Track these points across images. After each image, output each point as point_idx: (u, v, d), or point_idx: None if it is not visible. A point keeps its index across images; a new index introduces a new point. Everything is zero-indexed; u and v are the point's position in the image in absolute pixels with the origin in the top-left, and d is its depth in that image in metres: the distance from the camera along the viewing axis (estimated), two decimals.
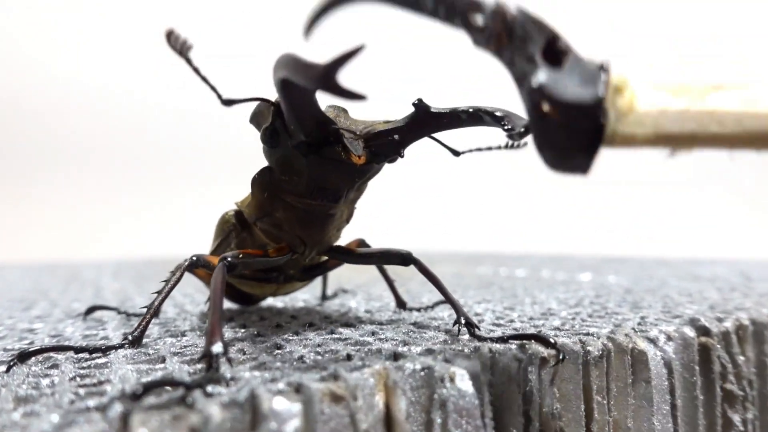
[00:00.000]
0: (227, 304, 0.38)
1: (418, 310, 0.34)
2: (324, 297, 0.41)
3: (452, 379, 0.21)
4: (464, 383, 0.21)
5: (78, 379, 0.21)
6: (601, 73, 0.17)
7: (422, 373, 0.21)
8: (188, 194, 1.03)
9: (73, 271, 0.80)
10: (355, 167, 0.24)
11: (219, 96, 0.23)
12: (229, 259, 0.25)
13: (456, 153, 0.27)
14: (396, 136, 0.24)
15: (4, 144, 1.00)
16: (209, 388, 0.18)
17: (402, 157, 0.25)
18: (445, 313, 0.34)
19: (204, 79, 0.23)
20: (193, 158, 1.06)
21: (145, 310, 0.36)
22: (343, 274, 0.56)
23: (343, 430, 0.19)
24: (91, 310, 0.36)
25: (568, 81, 0.17)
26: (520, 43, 0.18)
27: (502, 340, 0.24)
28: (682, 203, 1.03)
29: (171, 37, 0.21)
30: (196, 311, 0.37)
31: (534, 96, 0.17)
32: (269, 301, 0.40)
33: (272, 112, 0.25)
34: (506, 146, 0.27)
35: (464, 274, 0.62)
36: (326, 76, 0.18)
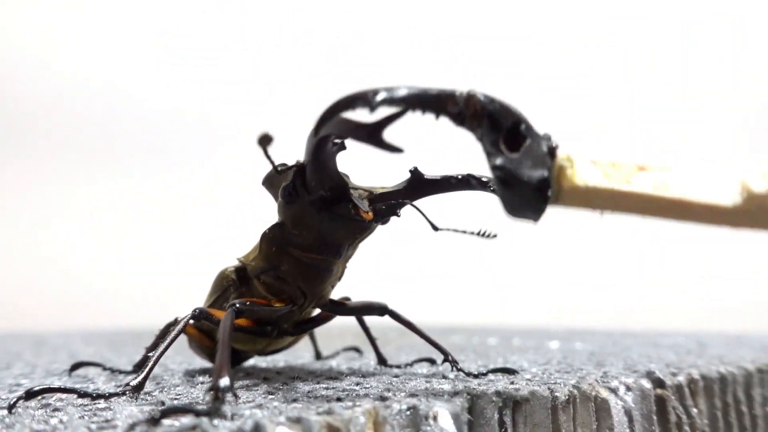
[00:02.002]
0: (208, 364, 0.39)
1: (398, 366, 0.36)
2: (318, 356, 0.43)
3: (435, 418, 0.23)
4: (446, 422, 0.23)
5: (86, 417, 0.22)
6: (548, 158, 0.22)
7: (408, 413, 0.23)
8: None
9: (39, 338, 0.79)
10: (361, 224, 0.28)
11: (274, 166, 0.27)
12: (238, 305, 0.28)
13: (435, 228, 0.31)
14: (394, 199, 0.28)
15: None
16: (216, 421, 0.20)
17: (398, 216, 0.29)
18: (424, 369, 0.36)
19: (268, 157, 0.27)
20: None
21: (131, 367, 0.37)
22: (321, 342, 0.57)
23: None
24: (76, 366, 0.37)
25: (522, 164, 0.22)
26: (487, 126, 0.22)
27: (482, 374, 0.30)
28: (649, 274, 1.08)
29: (264, 139, 0.24)
30: (181, 368, 0.39)
31: (495, 172, 0.22)
32: (251, 361, 0.42)
33: (293, 172, 0.28)
34: (479, 234, 0.31)
35: (437, 341, 0.64)
36: (373, 132, 0.22)
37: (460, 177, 0.28)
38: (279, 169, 0.27)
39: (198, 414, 0.20)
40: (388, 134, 0.22)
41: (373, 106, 0.21)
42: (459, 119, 0.22)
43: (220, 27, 1.00)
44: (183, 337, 0.40)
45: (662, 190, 0.21)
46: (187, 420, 0.20)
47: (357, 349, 0.47)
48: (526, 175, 0.22)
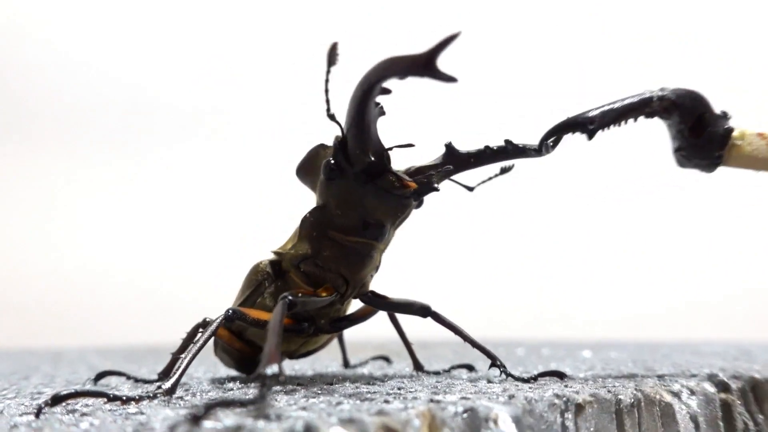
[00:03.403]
0: (232, 372, 0.37)
1: (437, 372, 0.34)
2: (347, 364, 0.41)
3: (495, 422, 0.21)
4: (507, 425, 0.21)
5: (118, 421, 0.21)
6: (725, 139, 0.28)
7: (465, 415, 0.21)
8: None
9: (55, 353, 0.78)
10: (403, 198, 0.27)
11: (328, 108, 0.27)
12: (290, 297, 0.26)
13: (470, 189, 0.31)
14: (432, 173, 0.28)
15: None
16: (262, 422, 0.18)
17: (438, 190, 0.28)
18: (464, 375, 0.34)
19: (327, 91, 0.26)
20: None
21: (156, 376, 0.36)
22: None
23: None
24: (101, 375, 0.35)
25: (701, 147, 0.28)
26: (676, 118, 0.28)
27: (532, 378, 0.28)
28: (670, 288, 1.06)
29: (333, 50, 0.24)
30: (206, 377, 0.37)
31: (677, 154, 0.29)
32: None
33: (334, 146, 0.27)
34: (501, 171, 0.32)
35: (463, 353, 0.62)
36: (429, 61, 0.22)
37: (496, 147, 0.29)
38: (331, 113, 0.26)
39: (244, 404, 0.18)
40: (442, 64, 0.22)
41: (594, 127, 0.27)
42: (651, 116, 0.28)
43: (220, 11, 1.00)
44: (206, 348, 0.39)
45: None
46: (231, 421, 0.18)
47: (386, 358, 0.45)
48: (703, 155, 0.28)
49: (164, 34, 1.01)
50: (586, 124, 0.27)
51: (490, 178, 0.31)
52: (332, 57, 0.24)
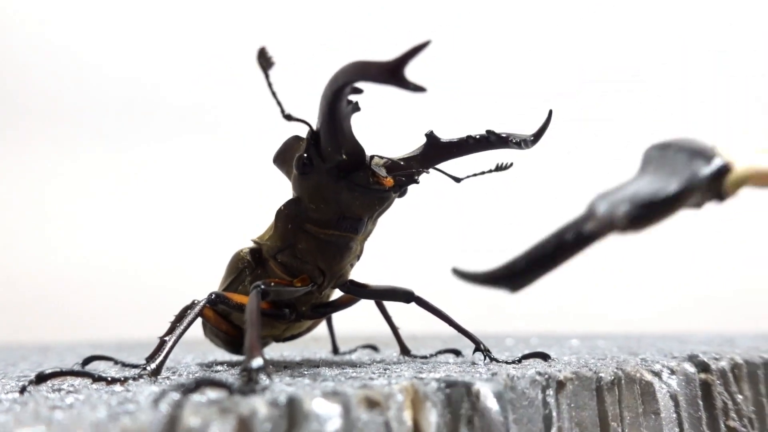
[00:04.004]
0: (222, 357, 0.37)
1: (424, 357, 0.35)
2: (336, 351, 0.41)
3: (477, 396, 0.22)
4: (489, 401, 0.22)
5: (104, 396, 0.21)
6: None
7: (448, 391, 0.22)
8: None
9: (44, 346, 0.77)
10: (380, 193, 0.26)
11: (282, 110, 0.26)
12: (262, 286, 0.26)
13: (457, 180, 0.30)
14: (412, 165, 0.27)
15: None
16: (250, 396, 0.19)
17: (417, 183, 0.27)
18: (450, 359, 0.34)
19: (274, 94, 0.25)
20: None
21: (144, 361, 0.36)
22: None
23: None
24: (88, 360, 0.35)
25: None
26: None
27: (516, 360, 0.28)
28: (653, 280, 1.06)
29: (262, 54, 0.23)
30: (194, 362, 0.37)
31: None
32: (267, 355, 0.40)
33: (306, 141, 0.27)
34: (496, 168, 0.30)
35: (453, 343, 0.63)
36: (396, 70, 0.21)
37: (478, 136, 0.28)
38: (286, 114, 0.25)
39: (230, 389, 0.18)
40: (410, 74, 0.21)
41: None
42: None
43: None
44: (195, 337, 0.39)
45: None
46: (216, 394, 0.19)
47: (374, 347, 0.45)
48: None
49: (160, 29, 1.00)
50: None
51: (483, 173, 0.30)
52: (264, 62, 0.23)
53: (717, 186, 0.21)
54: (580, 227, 0.20)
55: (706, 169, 0.21)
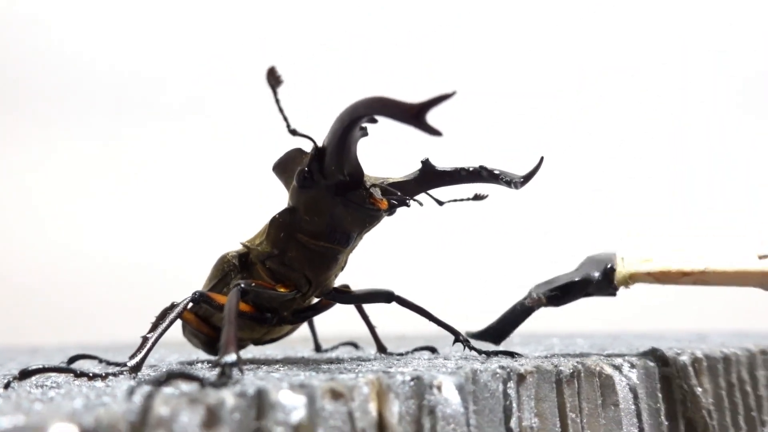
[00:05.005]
0: (203, 357, 0.38)
1: (401, 354, 0.36)
2: (318, 348, 0.42)
3: (439, 388, 0.23)
4: (450, 392, 0.23)
5: (84, 389, 0.22)
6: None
7: (411, 383, 0.23)
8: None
9: (33, 348, 0.78)
10: (372, 212, 0.28)
11: (288, 125, 0.27)
12: (243, 285, 0.27)
13: (440, 203, 0.31)
14: (406, 188, 0.29)
15: None
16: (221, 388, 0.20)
17: (408, 206, 0.29)
18: (425, 356, 0.36)
19: (281, 110, 0.26)
20: None
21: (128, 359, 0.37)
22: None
23: (342, 426, 0.20)
24: (73, 359, 0.36)
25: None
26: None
27: (487, 354, 0.30)
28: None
29: (272, 73, 0.24)
30: (177, 362, 0.38)
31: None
32: (247, 355, 0.41)
33: (310, 156, 0.28)
34: (474, 198, 0.31)
35: (437, 344, 0.64)
36: (418, 114, 0.22)
37: (471, 169, 0.29)
38: (291, 129, 0.27)
39: (202, 382, 0.19)
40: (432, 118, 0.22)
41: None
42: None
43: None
44: (178, 337, 0.40)
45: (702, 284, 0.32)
46: (188, 387, 0.20)
47: (354, 344, 0.46)
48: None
49: (160, 28, 1.01)
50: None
51: (462, 200, 0.31)
52: (273, 80, 0.24)
53: (609, 281, 0.32)
54: (523, 303, 0.33)
55: (599, 269, 0.32)
